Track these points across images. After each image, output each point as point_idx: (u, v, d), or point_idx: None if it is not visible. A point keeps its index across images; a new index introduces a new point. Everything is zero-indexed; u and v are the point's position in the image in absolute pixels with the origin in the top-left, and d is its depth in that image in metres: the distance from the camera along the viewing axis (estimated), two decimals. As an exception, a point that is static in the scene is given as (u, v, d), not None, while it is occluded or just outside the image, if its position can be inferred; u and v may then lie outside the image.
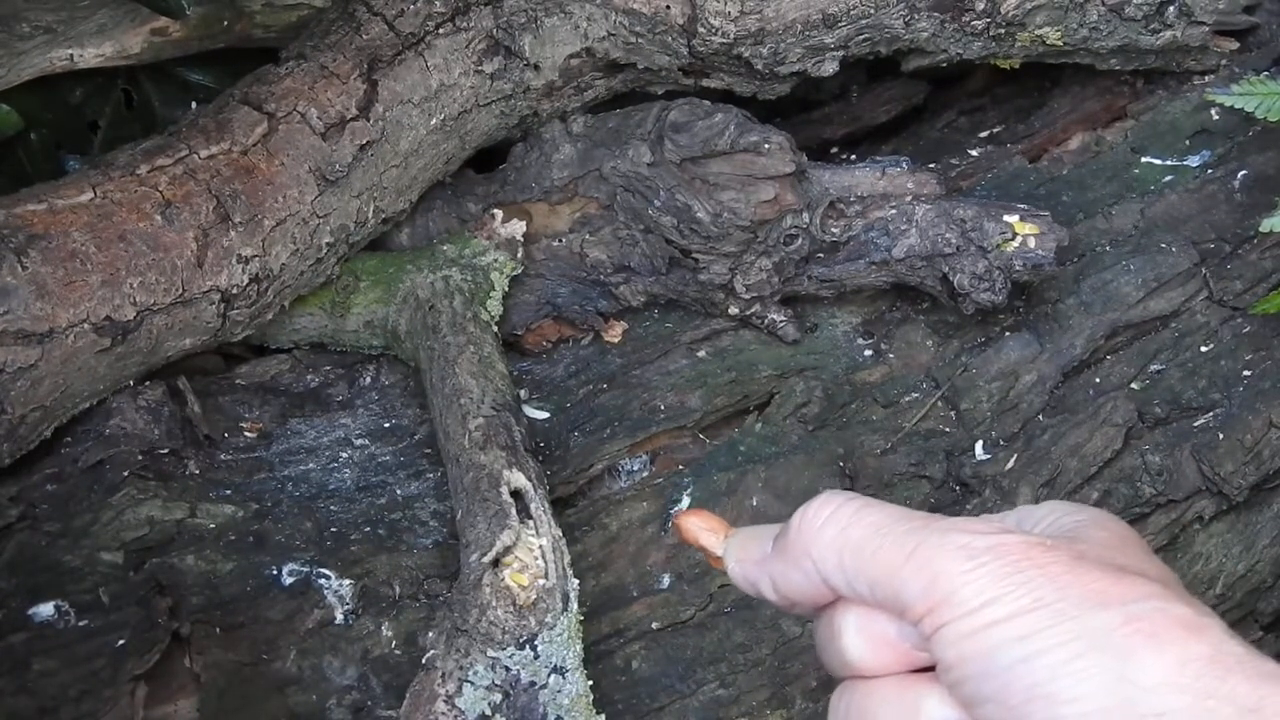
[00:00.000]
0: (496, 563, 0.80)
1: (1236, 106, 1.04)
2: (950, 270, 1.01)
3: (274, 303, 0.99)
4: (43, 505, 0.91)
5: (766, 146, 0.99)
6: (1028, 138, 1.19)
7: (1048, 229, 1.01)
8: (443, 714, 0.78)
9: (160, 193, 0.92)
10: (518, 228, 1.07)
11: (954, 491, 0.98)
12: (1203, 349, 1.03)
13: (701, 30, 1.06)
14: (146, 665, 0.84)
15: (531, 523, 0.83)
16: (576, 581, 0.83)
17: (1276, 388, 0.99)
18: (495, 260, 1.05)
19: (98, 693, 0.82)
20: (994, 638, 0.49)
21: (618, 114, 1.07)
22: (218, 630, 0.87)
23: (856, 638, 0.54)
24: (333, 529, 0.94)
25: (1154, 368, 1.02)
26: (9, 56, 1.04)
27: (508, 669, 0.79)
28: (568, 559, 0.83)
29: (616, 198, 1.04)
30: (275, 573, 0.90)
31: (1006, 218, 1.01)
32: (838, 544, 0.54)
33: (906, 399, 1.02)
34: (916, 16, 1.08)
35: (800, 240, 1.02)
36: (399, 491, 0.97)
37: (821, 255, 1.04)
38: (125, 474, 0.92)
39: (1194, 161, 1.13)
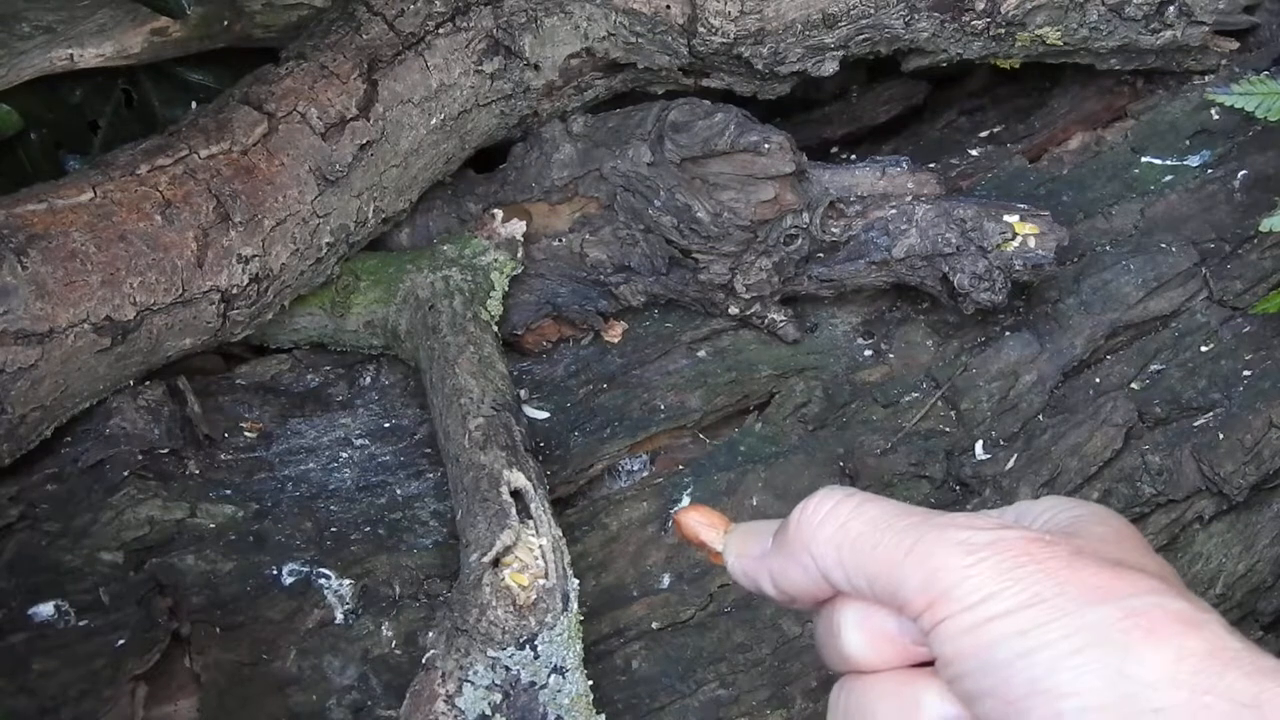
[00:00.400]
0: (496, 563, 0.80)
1: (1236, 106, 1.04)
2: (950, 270, 1.01)
3: (274, 303, 0.99)
4: (43, 505, 0.91)
5: (766, 146, 0.99)
6: (1028, 138, 1.19)
7: (1048, 229, 1.01)
8: (443, 714, 0.78)
9: (160, 193, 0.92)
10: (518, 227, 1.07)
11: (954, 491, 0.98)
12: (1203, 349, 1.03)
13: (701, 30, 1.06)
14: (146, 665, 0.84)
15: (531, 523, 0.83)
16: (576, 581, 0.83)
17: (1276, 388, 0.99)
18: (495, 260, 1.05)
19: (98, 693, 0.82)
20: (993, 633, 0.49)
21: (618, 114, 1.07)
22: (218, 630, 0.87)
23: (856, 633, 0.54)
24: (333, 529, 0.94)
25: (1154, 368, 1.02)
26: (9, 56, 1.04)
27: (508, 669, 0.79)
28: (568, 559, 0.83)
29: (616, 198, 1.04)
30: (275, 573, 0.90)
31: (1006, 218, 1.01)
32: (837, 539, 0.54)
33: (906, 399, 1.02)
34: (916, 16, 1.08)
35: (800, 240, 1.02)
36: (399, 491, 0.97)
37: (821, 255, 1.04)
38: (125, 474, 0.92)
39: (1194, 161, 1.13)
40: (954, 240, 1.01)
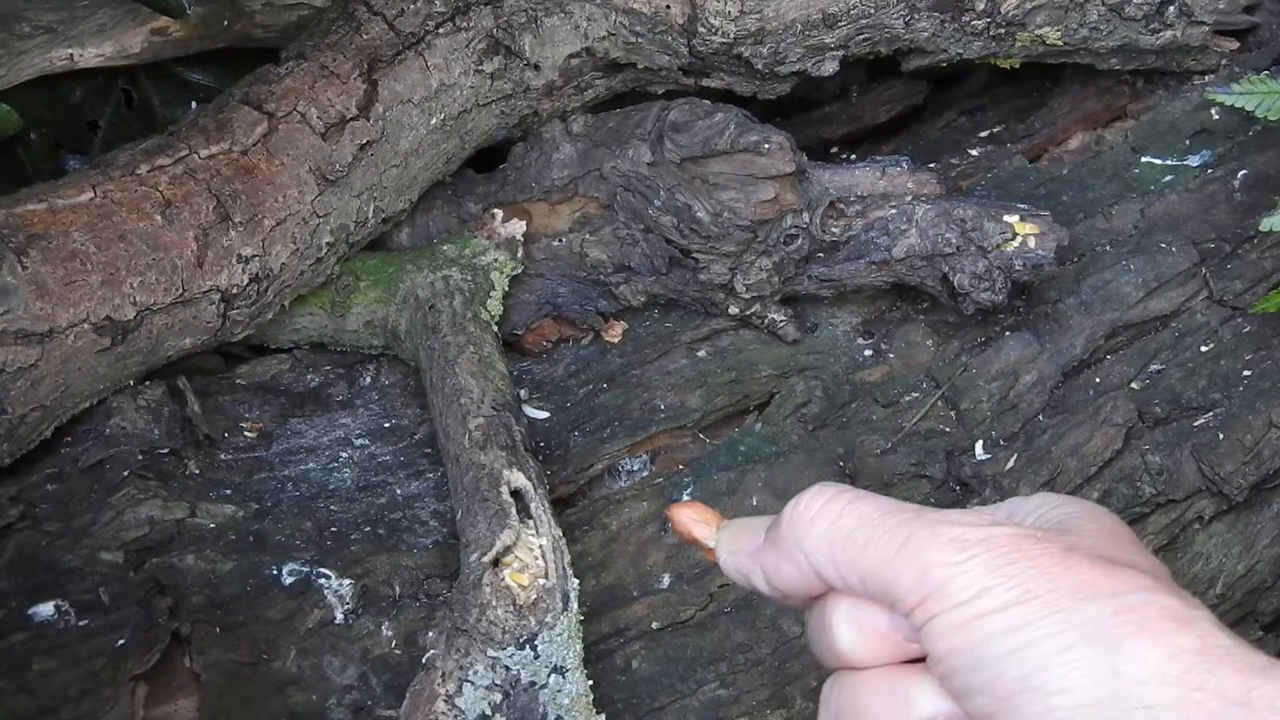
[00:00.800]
0: (496, 562, 0.80)
1: (1236, 106, 1.04)
2: (950, 270, 1.01)
3: (274, 302, 0.99)
4: (43, 505, 0.91)
5: (766, 146, 0.99)
6: (1028, 138, 1.19)
7: (1048, 229, 1.01)
8: (443, 714, 0.78)
9: (160, 192, 0.92)
10: (518, 227, 1.07)
11: (954, 491, 0.98)
12: (1203, 349, 1.03)
13: (701, 30, 1.06)
14: (146, 665, 0.84)
15: (531, 522, 0.83)
16: (576, 581, 0.83)
17: (1276, 388, 0.99)
18: (495, 260, 1.05)
19: (98, 693, 0.82)
20: (985, 629, 0.49)
21: (618, 114, 1.07)
22: (218, 630, 0.87)
23: (848, 629, 0.55)
24: (333, 529, 0.94)
25: (1154, 367, 1.02)
26: (9, 56, 1.04)
27: (508, 669, 0.79)
28: (568, 559, 0.83)
29: (616, 197, 1.04)
30: (275, 573, 0.90)
31: (1006, 218, 1.01)
32: (829, 536, 0.55)
33: (906, 399, 1.02)
34: (916, 16, 1.08)
35: (800, 240, 1.02)
36: (399, 491, 0.97)
37: (821, 255, 1.04)
38: (125, 474, 0.92)
39: (1194, 161, 1.13)
40: (954, 240, 1.01)
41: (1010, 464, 0.98)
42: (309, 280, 1.01)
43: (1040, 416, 1.01)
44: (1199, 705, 0.46)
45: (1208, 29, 1.13)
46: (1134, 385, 1.02)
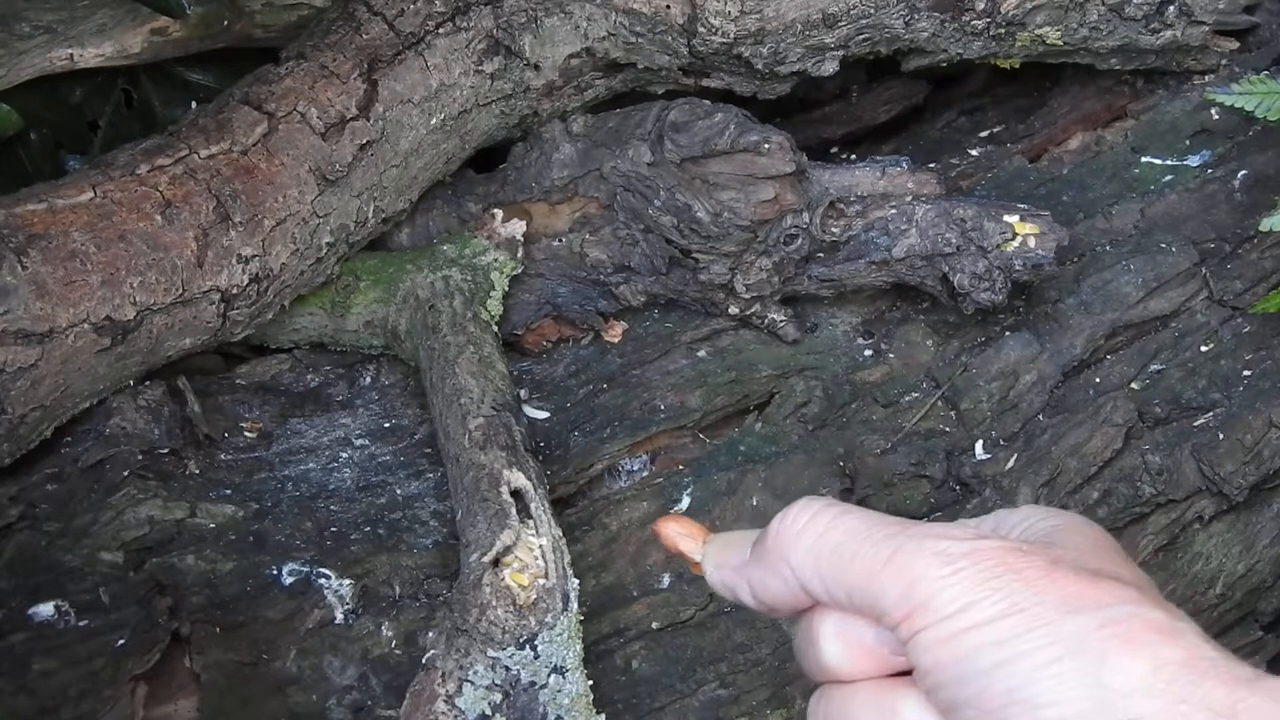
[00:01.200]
0: (496, 562, 0.80)
1: (1236, 106, 1.04)
2: (950, 270, 1.01)
3: (274, 302, 1.00)
4: (43, 505, 0.91)
5: (766, 146, 0.99)
6: (1028, 138, 1.19)
7: (1048, 229, 1.01)
8: (443, 714, 0.78)
9: (160, 192, 0.92)
10: (518, 227, 1.07)
11: (954, 491, 0.98)
12: (1203, 349, 1.03)
13: (701, 30, 1.06)
14: (146, 665, 0.84)
15: (531, 522, 0.83)
16: (576, 581, 0.83)
17: (1276, 388, 0.99)
18: (495, 260, 1.05)
19: (98, 693, 0.82)
20: (971, 642, 0.49)
21: (618, 114, 1.07)
22: (218, 630, 0.87)
23: (834, 643, 0.55)
24: (333, 529, 0.94)
25: (1154, 367, 1.02)
26: (9, 56, 1.04)
27: (508, 669, 0.79)
28: (568, 559, 0.83)
29: (616, 197, 1.04)
30: (275, 573, 0.90)
31: (1006, 217, 1.01)
32: (815, 550, 0.55)
33: (906, 399, 1.02)
34: (916, 16, 1.08)
35: (800, 240, 1.02)
36: (399, 491, 0.97)
37: (821, 255, 1.04)
38: (125, 474, 0.92)
39: (1194, 161, 1.13)
40: (954, 240, 1.01)
41: (1010, 464, 0.98)
42: (309, 280, 1.01)
43: (1040, 416, 1.01)
44: (1185, 717, 0.46)
45: (1208, 29, 1.13)
46: (1134, 385, 1.02)
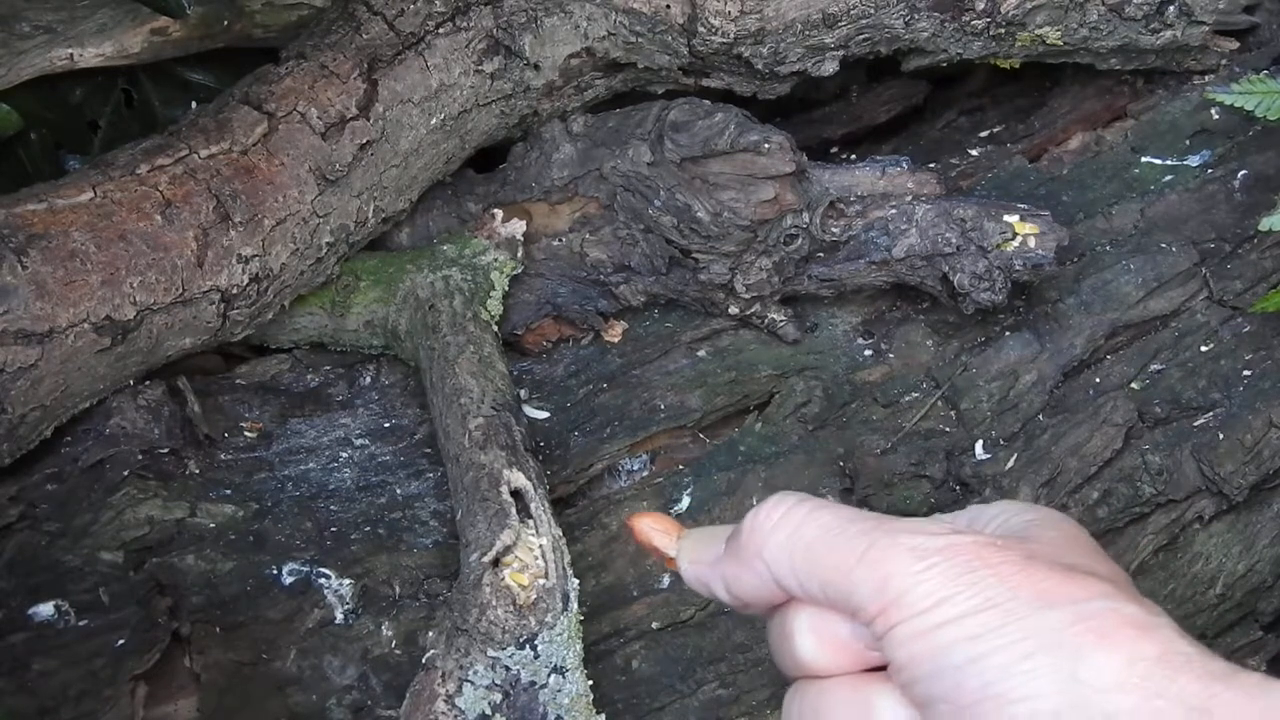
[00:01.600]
0: (496, 562, 0.80)
1: (1236, 106, 1.04)
2: (950, 270, 1.01)
3: (274, 302, 1.00)
4: (43, 505, 0.91)
5: (766, 146, 0.99)
6: (1028, 137, 1.19)
7: (1048, 229, 1.01)
8: (443, 714, 0.78)
9: (160, 192, 0.92)
10: (518, 227, 1.07)
11: (954, 491, 0.98)
12: (1203, 349, 1.03)
13: (701, 30, 1.06)
14: (146, 665, 0.84)
15: (531, 522, 0.83)
16: (576, 581, 0.83)
17: (1276, 387, 0.99)
18: (495, 260, 1.05)
19: (98, 693, 0.82)
20: (945, 638, 0.49)
21: (618, 114, 1.07)
22: (218, 630, 0.87)
23: (809, 638, 0.55)
24: (333, 529, 0.94)
25: (1154, 367, 1.02)
26: (9, 56, 1.04)
27: (508, 669, 0.79)
28: (568, 559, 0.83)
29: (616, 197, 1.04)
30: (275, 572, 0.90)
31: (1006, 217, 1.01)
32: (790, 545, 0.55)
33: (906, 399, 1.02)
34: (916, 16, 1.08)
35: (800, 240, 1.02)
36: (399, 491, 0.97)
37: (821, 255, 1.04)
38: (125, 474, 0.92)
39: (1194, 161, 1.13)
40: (954, 240, 1.01)
41: (1010, 464, 0.98)
42: (309, 280, 1.01)
43: (1040, 416, 1.01)
44: (1160, 713, 0.46)
45: (1208, 29, 1.13)
46: (1134, 385, 1.02)
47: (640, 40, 1.07)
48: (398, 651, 0.88)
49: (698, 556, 0.60)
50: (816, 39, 1.08)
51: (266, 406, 1.02)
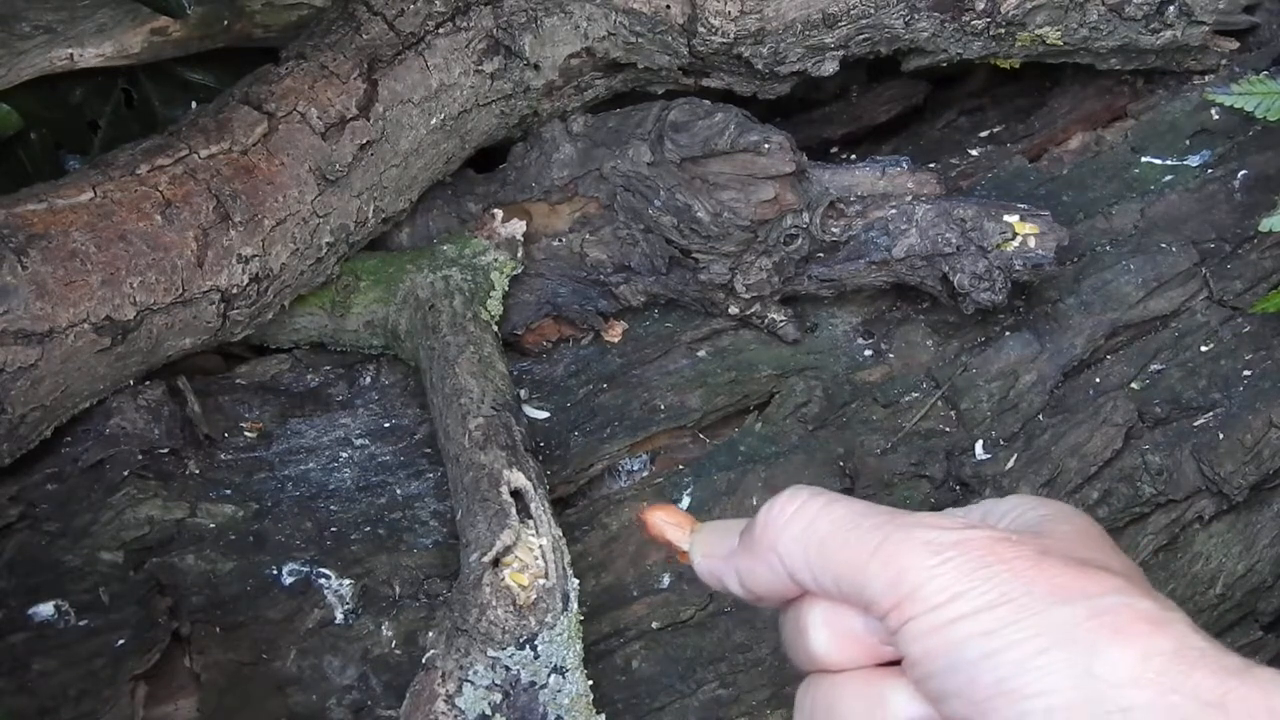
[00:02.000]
0: (496, 562, 0.80)
1: (1236, 106, 1.04)
2: (950, 270, 1.01)
3: (274, 302, 1.00)
4: (43, 505, 0.91)
5: (767, 146, 0.99)
6: (1028, 137, 1.19)
7: (1048, 229, 1.01)
8: (443, 714, 0.78)
9: (160, 192, 0.92)
10: (518, 227, 1.07)
11: (954, 491, 0.98)
12: (1203, 349, 1.03)
13: (701, 30, 1.06)
14: (146, 665, 0.84)
15: (531, 522, 0.83)
16: (576, 581, 0.83)
17: (1276, 387, 0.99)
18: (495, 260, 1.05)
19: (98, 693, 0.82)
20: (959, 633, 0.49)
21: (618, 114, 1.07)
22: (218, 630, 0.87)
23: (822, 632, 0.55)
24: (333, 529, 0.94)
25: (1154, 367, 1.02)
26: (9, 56, 1.04)
27: (508, 669, 0.79)
28: (568, 559, 0.83)
29: (616, 197, 1.04)
30: (275, 572, 0.90)
31: (1006, 217, 1.01)
32: (804, 539, 0.55)
33: (906, 399, 1.02)
34: (916, 16, 1.08)
35: (800, 240, 1.02)
36: (399, 491, 0.97)
37: (821, 255, 1.04)
38: (125, 474, 0.92)
39: (1194, 161, 1.13)
40: (954, 240, 1.01)
41: (1010, 464, 0.98)
42: (309, 280, 1.01)
43: (1040, 416, 1.01)
44: (1174, 708, 0.46)
45: (1208, 29, 1.13)
46: (1134, 385, 1.02)
47: (640, 40, 1.07)
48: (398, 651, 0.88)
49: (711, 550, 0.60)
50: (816, 39, 1.08)
51: (266, 406, 1.02)
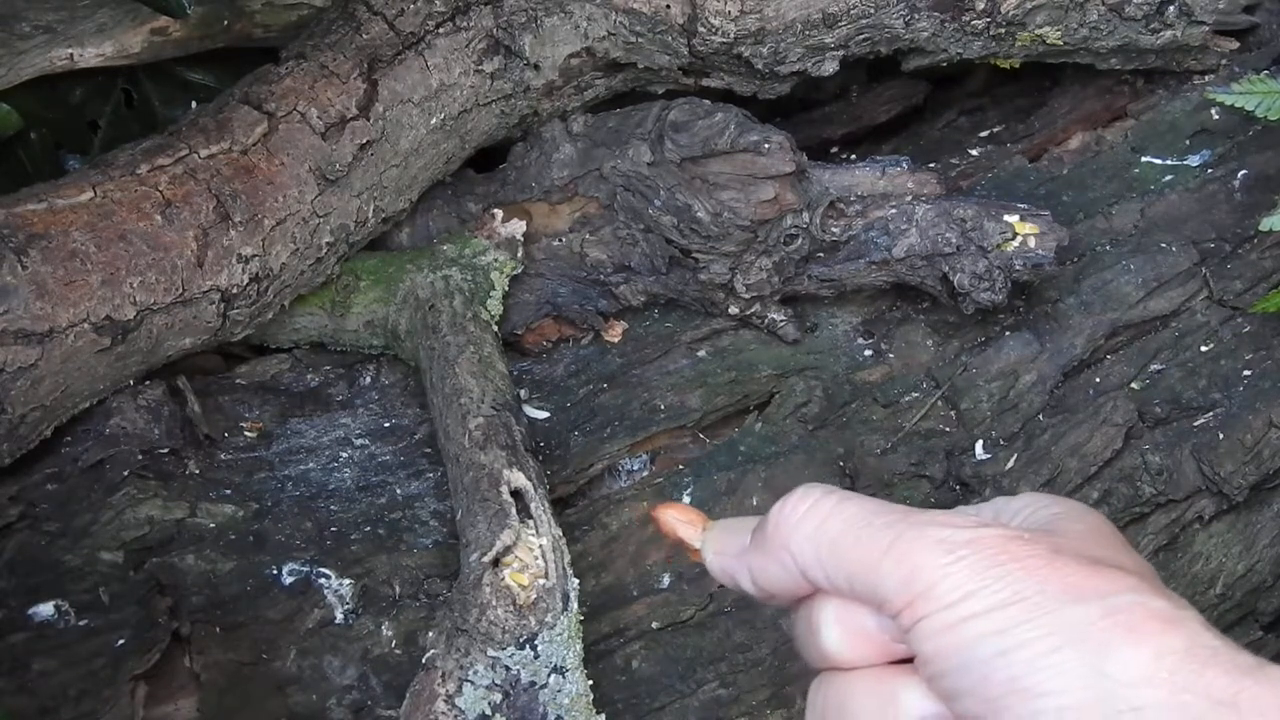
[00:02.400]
0: (496, 562, 0.80)
1: (1236, 106, 1.04)
2: (950, 270, 1.01)
3: (274, 302, 1.00)
4: (43, 505, 0.91)
5: (767, 146, 0.99)
6: (1028, 137, 1.19)
7: (1048, 228, 1.01)
8: (443, 714, 0.78)
9: (160, 192, 0.92)
10: (518, 227, 1.07)
11: (954, 491, 0.98)
12: (1203, 349, 1.03)
13: (701, 30, 1.06)
14: (146, 665, 0.84)
15: (531, 522, 0.83)
16: (576, 581, 0.83)
17: (1276, 387, 0.99)
18: (495, 260, 1.05)
19: (98, 693, 0.82)
20: (972, 631, 0.49)
21: (618, 114, 1.07)
22: (218, 630, 0.87)
23: (835, 630, 0.55)
24: (333, 529, 0.94)
25: (1154, 367, 1.02)
26: (9, 56, 1.04)
27: (508, 669, 0.79)
28: (568, 559, 0.83)
29: (616, 197, 1.04)
30: (275, 572, 0.90)
31: (1007, 217, 1.01)
32: (816, 537, 0.55)
33: (906, 399, 1.02)
34: (916, 16, 1.08)
35: (800, 240, 1.02)
36: (399, 491, 0.97)
37: (821, 255, 1.04)
38: (125, 474, 0.92)
39: (1194, 161, 1.13)
40: (954, 240, 1.01)
41: (1010, 464, 0.98)
42: (309, 280, 1.01)
43: (1040, 416, 1.01)
44: (1187, 707, 0.46)
45: (1208, 29, 1.13)
46: (1134, 385, 1.02)
47: (640, 40, 1.07)
48: (398, 651, 0.88)
49: (723, 548, 0.60)
50: (816, 39, 1.08)
51: (266, 406, 1.02)
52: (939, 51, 1.12)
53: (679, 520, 0.62)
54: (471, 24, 1.05)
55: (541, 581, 0.80)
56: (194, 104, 1.14)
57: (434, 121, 1.04)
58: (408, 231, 1.10)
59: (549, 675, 0.80)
